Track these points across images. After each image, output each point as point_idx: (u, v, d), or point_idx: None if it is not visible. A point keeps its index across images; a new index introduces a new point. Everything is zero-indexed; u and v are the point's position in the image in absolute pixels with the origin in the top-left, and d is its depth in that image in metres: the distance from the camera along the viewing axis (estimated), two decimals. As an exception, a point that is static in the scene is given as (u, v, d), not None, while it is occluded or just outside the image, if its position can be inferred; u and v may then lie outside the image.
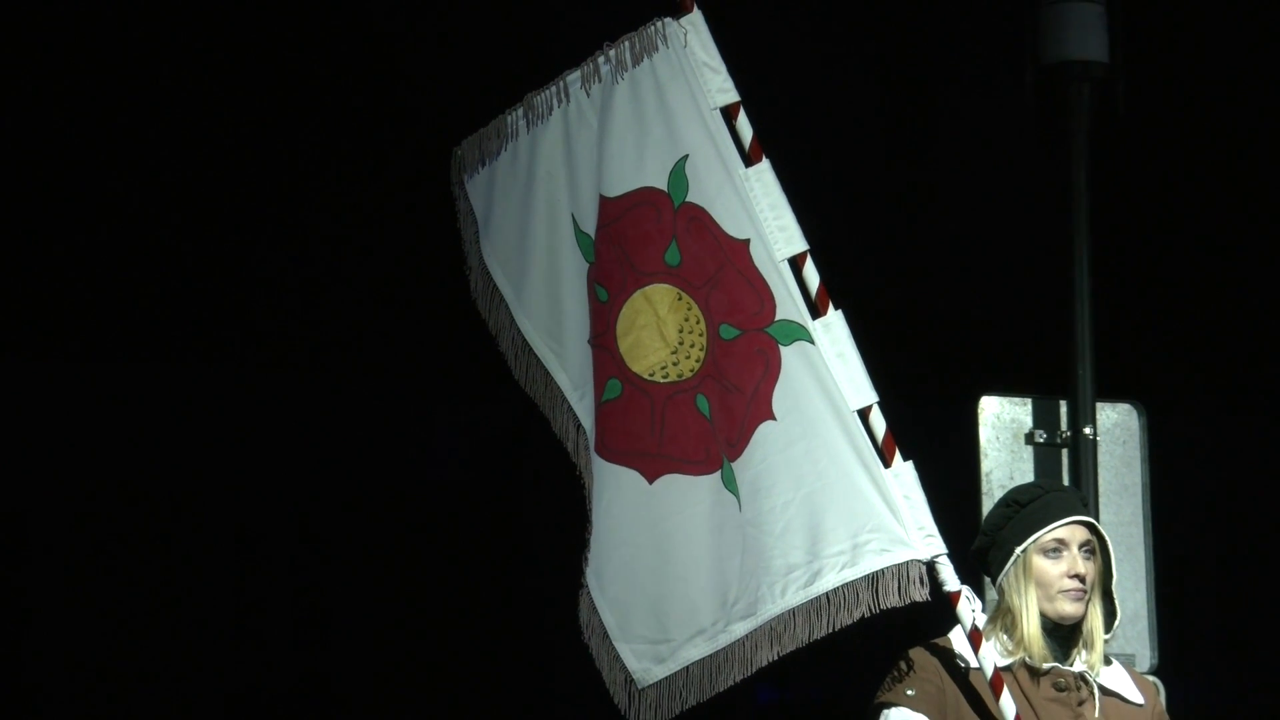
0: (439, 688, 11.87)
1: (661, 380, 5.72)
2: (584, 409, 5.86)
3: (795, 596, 5.54)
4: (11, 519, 12.20)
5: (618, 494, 5.75)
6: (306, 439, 11.78)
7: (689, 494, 5.69)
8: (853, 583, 5.51)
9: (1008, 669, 5.54)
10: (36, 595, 12.28)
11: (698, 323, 5.70)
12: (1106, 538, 5.73)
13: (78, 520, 12.21)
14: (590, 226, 5.86)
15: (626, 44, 5.90)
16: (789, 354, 5.62)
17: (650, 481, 5.71)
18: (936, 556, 5.54)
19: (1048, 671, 5.59)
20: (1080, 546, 5.63)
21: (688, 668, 5.66)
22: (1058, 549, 5.61)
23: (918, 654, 5.58)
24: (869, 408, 5.61)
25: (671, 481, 5.70)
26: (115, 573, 12.18)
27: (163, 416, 11.84)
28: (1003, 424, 8.29)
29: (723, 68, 5.82)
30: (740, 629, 5.60)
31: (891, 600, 5.52)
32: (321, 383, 11.40)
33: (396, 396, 11.11)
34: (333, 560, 11.89)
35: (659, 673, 5.69)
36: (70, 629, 12.28)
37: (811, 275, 5.71)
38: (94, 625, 12.16)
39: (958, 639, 5.58)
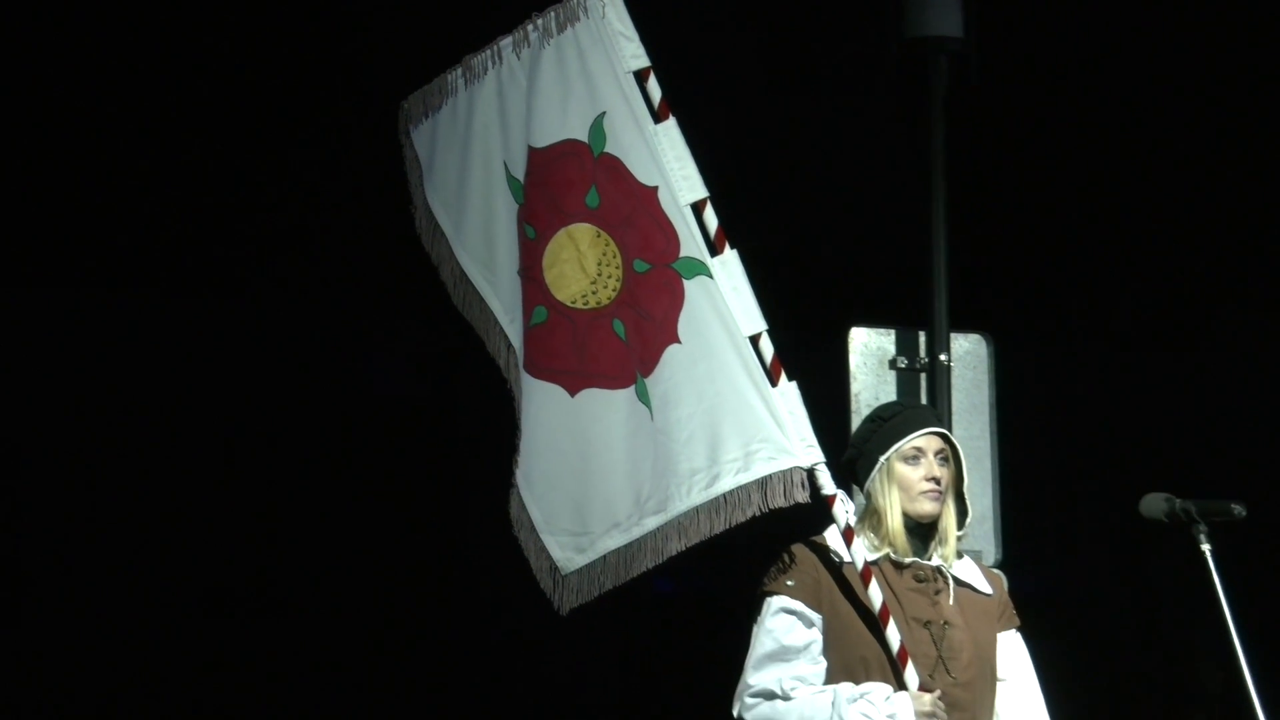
0: (381, 596, 11.76)
1: (583, 307, 5.77)
2: (514, 331, 5.91)
3: (698, 496, 5.60)
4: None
5: (544, 406, 5.80)
6: (258, 360, 11.59)
7: (607, 406, 5.75)
8: (746, 485, 5.57)
9: (875, 562, 5.58)
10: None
11: (614, 258, 5.75)
12: (958, 447, 5.80)
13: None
14: (520, 173, 5.92)
15: (553, 14, 5.93)
16: (691, 286, 5.68)
17: (573, 395, 5.76)
18: (816, 464, 5.60)
19: (909, 565, 5.64)
20: (936, 454, 5.69)
21: (605, 556, 5.72)
22: (916, 456, 5.67)
23: (798, 549, 5.64)
24: (759, 334, 5.67)
25: (591, 395, 5.76)
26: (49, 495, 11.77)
27: (109, 342, 11.53)
28: (869, 351, 8.36)
29: (635, 36, 5.85)
30: (652, 523, 5.65)
31: (778, 501, 5.57)
32: (273, 305, 11.20)
33: (345, 318, 10.94)
34: (275, 480, 11.69)
35: (580, 561, 5.75)
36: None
37: (710, 218, 5.76)
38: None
39: (832, 536, 5.63)
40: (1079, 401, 13.76)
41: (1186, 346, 14.76)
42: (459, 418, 10.41)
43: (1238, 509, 5.97)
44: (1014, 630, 5.80)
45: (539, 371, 5.81)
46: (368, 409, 10.96)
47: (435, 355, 9.59)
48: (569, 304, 5.78)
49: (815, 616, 5.56)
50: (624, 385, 5.73)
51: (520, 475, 5.82)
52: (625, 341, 5.72)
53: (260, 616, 11.27)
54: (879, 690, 5.48)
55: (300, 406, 11.17)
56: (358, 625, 11.48)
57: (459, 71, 6.10)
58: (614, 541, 5.71)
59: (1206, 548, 5.84)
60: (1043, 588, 6.97)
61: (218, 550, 11.04)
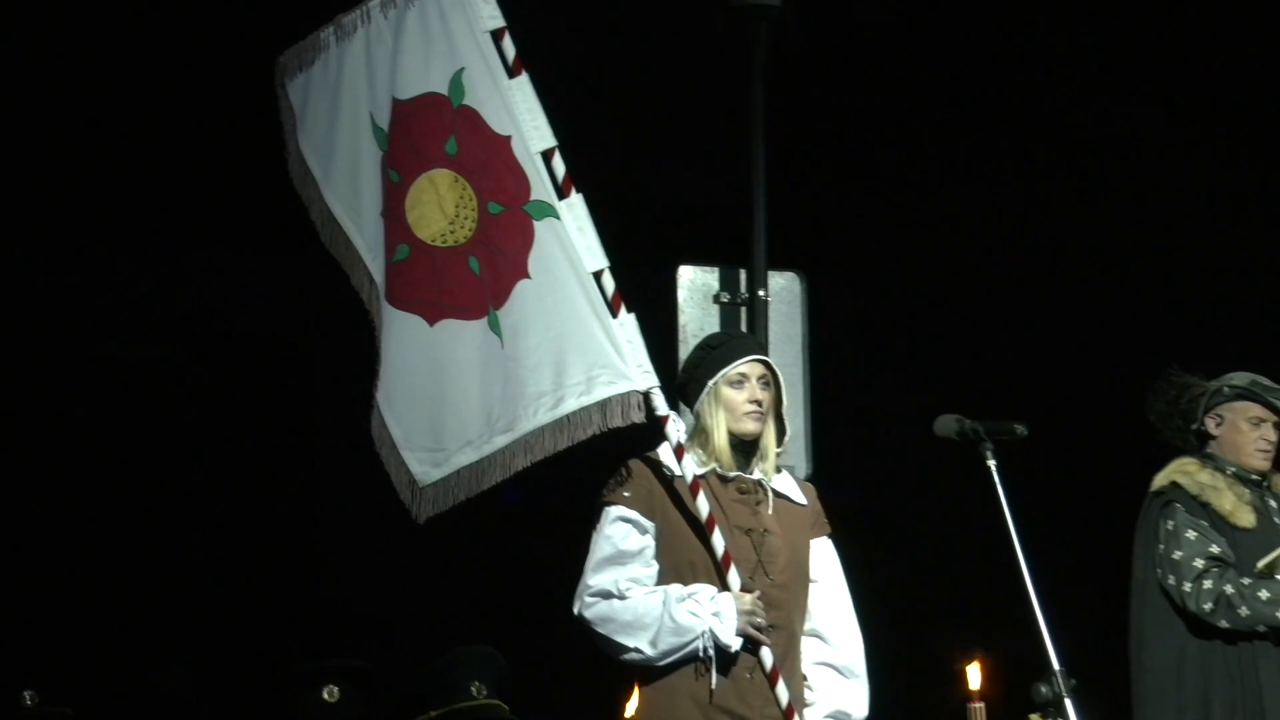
0: (233, 510, 11.70)
1: (441, 245, 5.79)
2: (376, 267, 5.91)
3: (544, 416, 5.64)
4: None
5: (404, 334, 5.81)
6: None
7: (461, 334, 5.76)
8: (588, 407, 5.62)
9: (703, 476, 5.62)
10: None
11: (471, 200, 5.77)
12: (778, 372, 5.84)
13: None
14: (385, 122, 5.92)
15: None
16: (541, 227, 5.72)
17: (431, 324, 5.77)
18: (651, 388, 5.65)
19: (733, 478, 5.68)
20: (758, 379, 5.72)
21: (459, 471, 5.73)
22: (741, 381, 5.69)
23: (634, 464, 5.67)
24: (601, 271, 5.71)
25: (448, 325, 5.76)
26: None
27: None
28: (696, 287, 8.44)
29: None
30: (501, 441, 5.68)
31: (616, 421, 5.63)
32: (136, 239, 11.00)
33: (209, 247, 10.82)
34: (136, 407, 11.51)
35: (435, 475, 5.76)
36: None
37: (558, 165, 5.79)
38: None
39: (665, 453, 5.66)
40: (881, 332, 13.96)
41: (975, 285, 14.98)
42: (316, 347, 10.37)
43: (1020, 429, 6.10)
44: (825, 537, 5.84)
45: (400, 303, 5.82)
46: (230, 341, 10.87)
47: (301, 287, 9.50)
48: (429, 242, 5.80)
49: (649, 524, 5.60)
50: (478, 316, 5.75)
51: (381, 397, 5.83)
52: (479, 276, 5.75)
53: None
54: (705, 590, 5.52)
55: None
56: (222, 535, 11.46)
57: (331, 29, 6.10)
58: (466, 458, 5.73)
59: (992, 463, 5.96)
60: (850, 499, 7.05)
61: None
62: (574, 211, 5.74)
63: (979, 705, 9.78)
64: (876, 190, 14.00)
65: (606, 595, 5.56)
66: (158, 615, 10.97)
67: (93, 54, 10.23)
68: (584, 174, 5.84)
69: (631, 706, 5.86)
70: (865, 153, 13.87)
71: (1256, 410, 6.81)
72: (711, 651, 5.49)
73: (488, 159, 5.78)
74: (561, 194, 5.77)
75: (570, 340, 5.66)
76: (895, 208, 14.18)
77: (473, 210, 5.76)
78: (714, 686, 5.49)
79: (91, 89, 10.33)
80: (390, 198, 5.87)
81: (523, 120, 5.79)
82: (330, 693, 5.13)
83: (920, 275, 14.70)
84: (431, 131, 5.84)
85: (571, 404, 5.64)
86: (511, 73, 5.84)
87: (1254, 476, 6.81)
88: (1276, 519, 6.78)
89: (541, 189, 5.75)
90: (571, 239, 5.71)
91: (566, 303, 5.68)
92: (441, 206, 5.79)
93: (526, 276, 5.72)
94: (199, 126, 10.39)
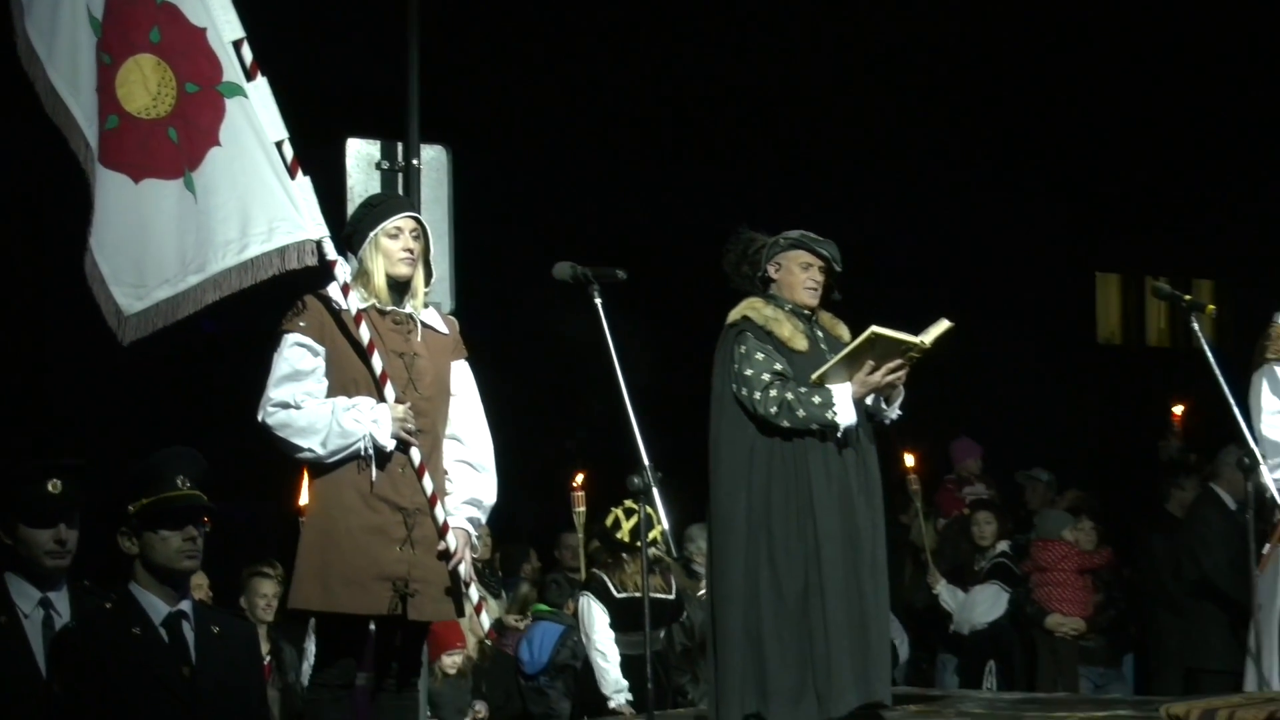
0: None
1: (145, 117, 5.66)
2: (91, 134, 5.76)
3: (231, 260, 5.59)
4: None
5: (113, 189, 5.67)
6: None
7: (161, 191, 5.64)
8: (269, 252, 5.59)
9: (364, 310, 5.62)
10: None
11: (170, 81, 5.65)
12: (427, 227, 5.85)
13: None
14: (99, 13, 5.73)
15: None
16: (231, 104, 5.65)
17: (136, 182, 5.64)
18: (322, 237, 5.65)
19: (389, 312, 5.69)
20: (410, 232, 5.72)
21: (157, 304, 5.63)
22: (396, 233, 5.69)
23: (308, 298, 5.64)
24: (282, 140, 5.67)
25: (150, 183, 5.64)
26: None
27: None
28: (361, 156, 8.38)
29: None
30: (193, 280, 5.60)
31: (293, 264, 5.62)
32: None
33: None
34: None
35: (138, 306, 5.65)
36: None
37: (246, 53, 5.71)
38: None
39: (334, 290, 5.64)
40: (513, 194, 14.05)
41: (591, 156, 15.12)
42: (44, 202, 10.06)
43: (620, 274, 6.20)
44: (463, 360, 5.88)
45: (110, 164, 5.68)
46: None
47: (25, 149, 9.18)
48: (135, 114, 5.67)
49: (320, 348, 5.59)
50: (175, 177, 5.65)
51: (94, 241, 5.70)
52: (177, 144, 5.65)
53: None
54: (366, 402, 5.55)
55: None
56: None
57: None
58: (164, 293, 5.64)
59: (598, 300, 6.06)
60: (484, 329, 7.11)
61: None
62: (259, 91, 5.69)
63: (581, 494, 9.99)
64: (515, 75, 14.02)
65: (285, 406, 5.55)
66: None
67: None
68: (269, 60, 5.77)
69: (304, 497, 5.88)
70: (503, 43, 13.90)
71: (806, 257, 6.91)
72: (371, 451, 5.52)
73: (186, 47, 5.66)
74: (249, 76, 5.70)
75: (255, 197, 5.60)
76: (529, 90, 14.23)
77: (172, 89, 5.65)
78: (373, 479, 5.53)
79: None
80: (103, 76, 5.72)
81: (216, 14, 5.69)
82: (54, 485, 5.05)
83: (545, 146, 14.81)
84: (138, 22, 5.69)
85: (255, 249, 5.59)
86: (205, -28, 5.72)
87: (805, 311, 6.94)
88: (822, 345, 6.91)
89: (232, 72, 5.67)
90: (257, 114, 5.65)
91: (252, 167, 5.62)
92: (146, 85, 5.66)
93: (218, 144, 5.63)
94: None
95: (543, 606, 9.83)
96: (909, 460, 10.99)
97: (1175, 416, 12.50)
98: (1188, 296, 8.09)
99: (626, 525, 8.86)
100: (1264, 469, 7.74)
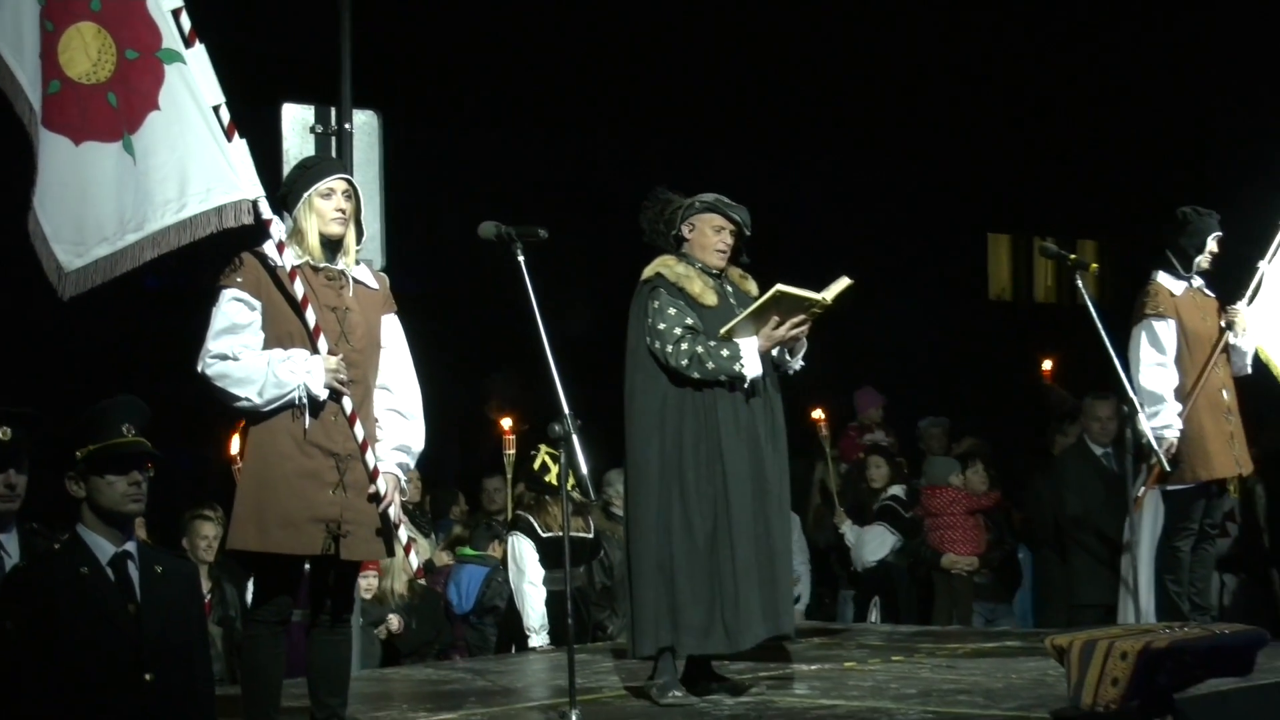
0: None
1: (85, 82, 5.60)
2: (35, 97, 5.69)
3: (170, 218, 5.55)
4: None
5: (54, 151, 5.61)
6: None
7: (101, 153, 5.59)
8: (206, 211, 5.57)
9: (299, 266, 5.58)
10: None
11: (111, 48, 5.58)
12: (358, 188, 5.80)
13: None
14: None
15: None
16: (170, 70, 5.59)
17: (77, 145, 5.59)
18: (258, 197, 5.63)
19: (322, 268, 5.65)
20: (343, 193, 5.67)
21: (96, 261, 5.59)
22: (329, 193, 5.64)
23: (245, 256, 5.59)
24: (219, 105, 5.62)
25: (90, 145, 5.58)
26: None
27: None
28: (296, 120, 8.35)
29: None
30: (132, 238, 5.56)
31: (230, 223, 5.60)
32: None
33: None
34: None
35: (78, 263, 5.60)
36: None
37: (185, 21, 5.66)
38: None
39: (270, 248, 5.60)
40: (442, 157, 14.00)
41: (511, 120, 15.08)
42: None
43: (541, 232, 6.23)
44: (392, 314, 5.85)
45: (53, 126, 5.63)
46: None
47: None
48: (76, 79, 5.61)
49: (256, 303, 5.55)
50: (114, 140, 5.60)
51: (36, 200, 5.65)
52: (116, 109, 5.59)
53: None
54: (300, 354, 5.53)
55: None
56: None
57: None
58: (102, 250, 5.60)
59: (520, 258, 6.09)
60: (413, 285, 7.11)
61: None
62: (197, 58, 5.64)
63: (511, 437, 10.01)
64: (443, 44, 13.96)
65: (224, 357, 5.51)
66: None
67: None
68: (206, 28, 5.73)
69: (235, 445, 5.86)
70: (432, 13, 13.83)
71: (719, 220, 6.94)
72: (305, 400, 5.49)
73: (126, 14, 5.60)
74: (187, 44, 5.65)
75: (193, 159, 5.56)
76: (456, 59, 14.17)
77: (112, 56, 5.59)
78: (307, 427, 5.51)
79: None
80: (45, 43, 5.65)
81: None
82: (4, 432, 5.02)
83: (471, 112, 14.76)
84: None
85: (194, 208, 5.56)
86: (145, -57, 5.65)
87: (714, 271, 6.98)
88: (731, 300, 6.94)
89: (171, 39, 5.62)
90: (195, 80, 5.61)
91: (190, 130, 5.58)
92: (86, 52, 5.61)
93: (157, 109, 5.58)
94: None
95: (468, 550, 9.85)
96: (819, 413, 11.16)
97: (1045, 372, 12.66)
98: (1072, 256, 8.19)
99: (554, 469, 8.91)
100: (1141, 416, 7.88)
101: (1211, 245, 8.21)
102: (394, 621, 9.01)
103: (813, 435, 11.16)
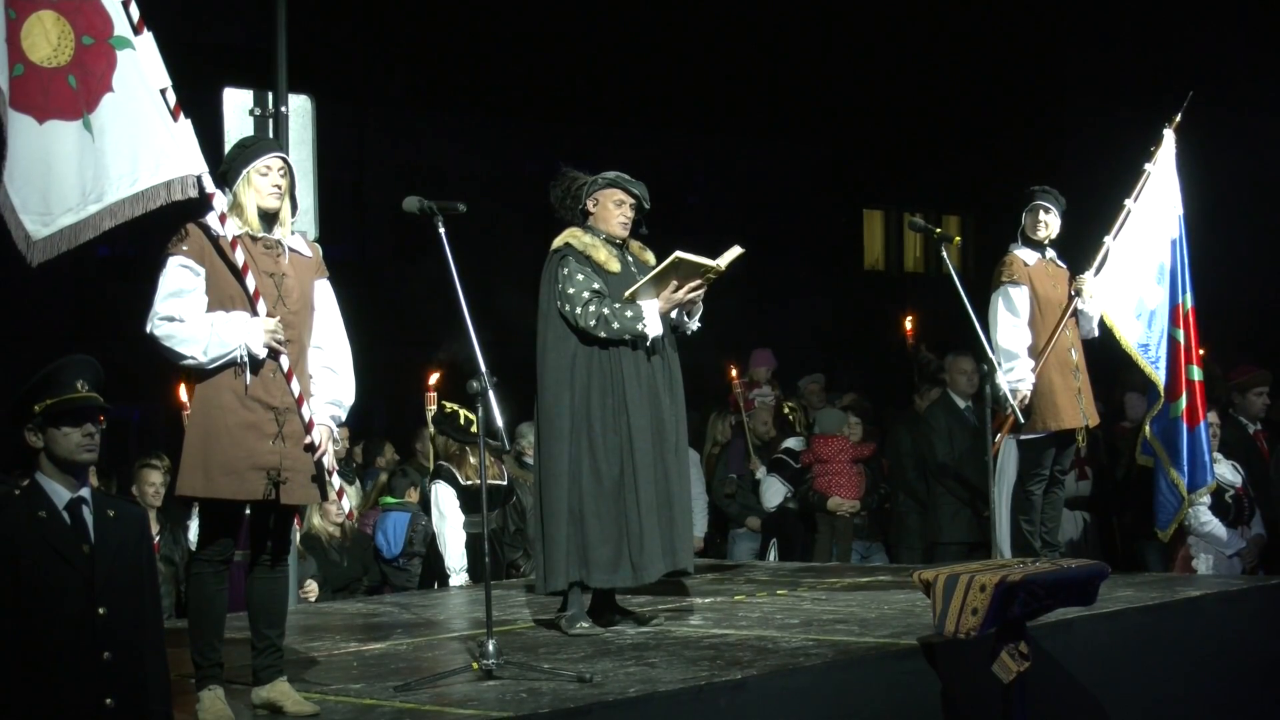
0: None
1: (47, 65, 5.50)
2: (2, 80, 5.60)
3: (124, 191, 5.47)
4: None
5: (21, 129, 5.50)
6: None
7: (63, 131, 5.48)
8: (156, 185, 5.48)
9: (239, 236, 5.54)
10: None
11: (69, 34, 5.49)
12: (292, 165, 5.75)
13: None
14: None
15: None
16: (122, 56, 5.51)
17: (40, 123, 5.47)
18: (202, 173, 5.56)
19: (261, 238, 5.61)
20: (278, 170, 5.63)
21: (61, 230, 5.47)
22: (266, 171, 5.60)
23: (190, 226, 5.53)
24: (166, 88, 5.52)
25: (53, 124, 5.47)
26: None
27: None
28: (236, 104, 8.29)
29: None
30: (92, 209, 5.47)
31: (177, 196, 5.52)
32: None
33: None
34: None
35: (45, 232, 5.48)
36: None
37: (134, 10, 5.55)
38: None
39: (213, 219, 5.55)
40: (371, 138, 13.90)
41: (429, 102, 14.98)
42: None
43: (461, 206, 6.21)
44: (324, 279, 5.82)
45: (19, 106, 5.51)
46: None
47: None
48: (38, 63, 5.50)
49: (200, 269, 5.50)
50: (75, 118, 5.51)
51: (5, 175, 5.55)
52: (75, 90, 5.50)
53: None
54: (241, 315, 5.50)
55: None
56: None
57: None
58: (67, 220, 5.50)
59: (441, 230, 6.07)
60: (343, 253, 7.06)
61: None
62: (145, 45, 5.55)
63: (433, 394, 9.99)
64: (371, 34, 13.83)
65: (170, 319, 5.46)
66: None
67: None
68: (154, 17, 5.65)
69: (184, 395, 5.81)
70: (360, 6, 13.69)
71: (620, 195, 7.00)
72: (245, 358, 5.47)
73: (81, 3, 5.52)
74: (136, 31, 5.56)
75: (143, 137, 5.49)
76: (383, 48, 14.04)
77: (70, 41, 5.50)
78: (248, 383, 5.48)
79: None
80: (9, 30, 5.53)
81: None
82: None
83: (395, 95, 14.65)
84: None
85: (145, 181, 5.49)
86: (97, -66, 5.56)
87: (617, 241, 7.02)
88: (633, 268, 7.00)
89: (122, 27, 5.53)
90: (144, 65, 5.53)
91: (141, 110, 5.50)
92: (47, 37, 5.50)
93: (111, 91, 5.50)
94: None
95: (390, 499, 9.83)
96: (732, 371, 11.36)
97: (907, 332, 12.83)
98: (938, 230, 8.29)
99: (472, 419, 8.90)
100: (999, 373, 8.01)
101: (1044, 218, 8.34)
102: (310, 586, 8.97)
103: (724, 391, 11.37)
